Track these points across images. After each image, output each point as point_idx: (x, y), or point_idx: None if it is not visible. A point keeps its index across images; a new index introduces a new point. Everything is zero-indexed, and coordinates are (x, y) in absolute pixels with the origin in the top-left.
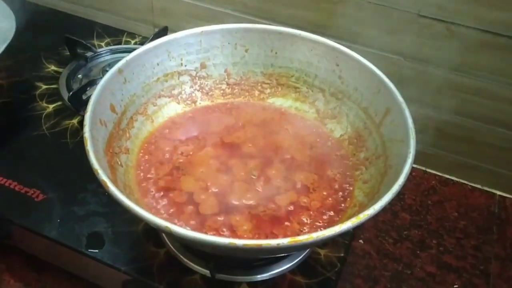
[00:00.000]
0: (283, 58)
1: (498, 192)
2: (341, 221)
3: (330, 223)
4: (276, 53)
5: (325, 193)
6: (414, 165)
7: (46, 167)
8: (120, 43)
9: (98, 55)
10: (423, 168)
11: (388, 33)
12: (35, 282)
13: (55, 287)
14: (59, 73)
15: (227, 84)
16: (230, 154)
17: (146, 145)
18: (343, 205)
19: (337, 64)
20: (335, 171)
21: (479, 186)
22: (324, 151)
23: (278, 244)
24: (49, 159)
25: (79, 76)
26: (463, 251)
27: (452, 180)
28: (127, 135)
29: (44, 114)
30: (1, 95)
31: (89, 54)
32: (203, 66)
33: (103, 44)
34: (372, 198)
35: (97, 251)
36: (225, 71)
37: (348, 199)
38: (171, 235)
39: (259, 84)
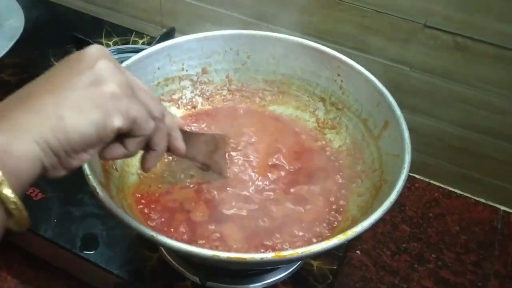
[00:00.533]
0: (285, 66)
1: (502, 207)
2: (332, 235)
3: (322, 236)
4: (278, 60)
5: (320, 204)
6: (417, 176)
7: None
8: (128, 43)
9: None
10: (427, 180)
11: (394, 43)
12: (31, 279)
13: (51, 285)
14: None
15: (228, 90)
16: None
17: None
18: (337, 218)
19: (339, 74)
20: (331, 183)
21: (483, 200)
22: (322, 161)
23: (262, 259)
24: None
25: None
26: (463, 266)
27: (456, 193)
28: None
29: None
30: (8, 92)
31: None
32: (204, 71)
33: (111, 43)
34: (365, 213)
35: (91, 253)
36: (227, 76)
37: (342, 212)
38: (157, 244)
39: (260, 91)
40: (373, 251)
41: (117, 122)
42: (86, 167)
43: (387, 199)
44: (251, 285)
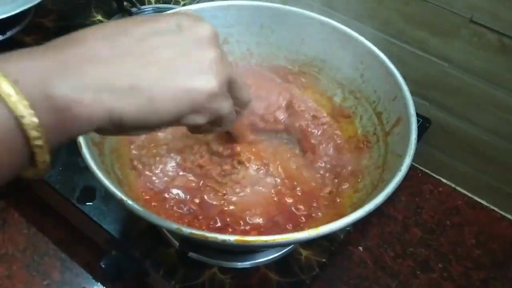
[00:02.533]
0: (309, 46)
1: None
2: (309, 226)
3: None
4: (303, 39)
5: (316, 194)
6: (443, 180)
7: None
8: (169, 2)
9: (141, 12)
10: (453, 185)
11: (436, 35)
12: (36, 221)
13: (51, 230)
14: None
15: (248, 63)
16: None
17: None
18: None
19: (362, 61)
20: (332, 173)
21: (509, 216)
22: (328, 150)
23: (223, 240)
24: None
25: None
26: (469, 282)
27: (481, 204)
28: None
29: None
30: (46, 38)
31: (133, 9)
32: (225, 41)
33: (153, 0)
34: (354, 211)
35: (86, 205)
36: (248, 49)
37: (336, 202)
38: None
39: (281, 69)
40: (376, 250)
41: (200, 120)
42: None
43: (372, 201)
44: (233, 263)
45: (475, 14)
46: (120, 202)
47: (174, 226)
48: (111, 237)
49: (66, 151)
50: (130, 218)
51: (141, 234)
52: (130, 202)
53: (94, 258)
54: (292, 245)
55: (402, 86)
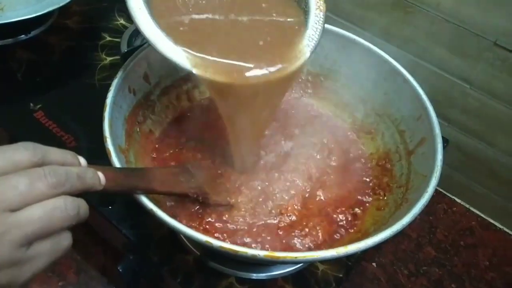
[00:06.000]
0: (333, 61)
1: None
2: (336, 244)
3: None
4: (327, 54)
5: (338, 210)
6: (458, 200)
7: (86, 117)
8: None
9: None
10: (467, 206)
11: (459, 56)
12: None
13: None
14: (126, 28)
15: None
16: None
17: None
18: (352, 225)
19: (385, 79)
20: (355, 190)
21: None
22: (351, 166)
23: (253, 255)
24: (92, 109)
25: None
26: None
27: (495, 225)
28: (157, 107)
29: (100, 65)
30: (69, 39)
31: None
32: None
33: None
34: (379, 229)
35: (106, 208)
36: None
37: (358, 222)
38: (153, 216)
39: (302, 82)
40: (390, 267)
41: None
42: (106, 129)
43: (399, 221)
44: (251, 274)
45: (500, 37)
46: (151, 212)
47: (203, 238)
48: (129, 241)
49: (87, 153)
50: (149, 224)
51: (159, 240)
52: (160, 212)
53: (110, 262)
54: None
55: (427, 106)
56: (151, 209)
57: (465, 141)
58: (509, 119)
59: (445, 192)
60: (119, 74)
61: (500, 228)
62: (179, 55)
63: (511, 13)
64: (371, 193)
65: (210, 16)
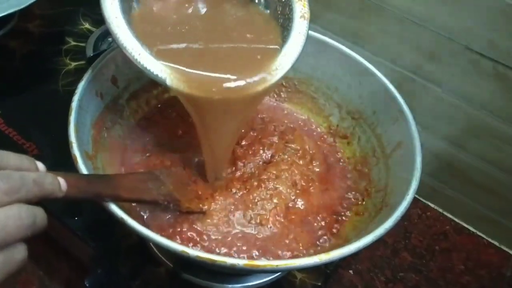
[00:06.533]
0: (307, 64)
1: None
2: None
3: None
4: (301, 57)
5: (319, 217)
6: (431, 205)
7: (50, 124)
8: None
9: None
10: (440, 210)
11: (430, 60)
12: None
13: (29, 244)
14: (91, 32)
15: None
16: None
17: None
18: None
19: (361, 82)
20: (338, 196)
21: (496, 243)
22: (332, 171)
23: (232, 265)
24: (55, 116)
25: (110, 39)
26: None
27: (469, 230)
28: (125, 111)
29: (64, 70)
30: (30, 43)
31: None
32: None
33: None
34: (359, 234)
35: (71, 219)
36: None
37: (339, 229)
38: (124, 225)
39: (276, 87)
40: (366, 274)
41: None
42: (71, 134)
43: (382, 225)
44: (228, 285)
45: (472, 42)
46: (121, 221)
47: (179, 248)
48: (97, 254)
49: (51, 160)
50: (118, 235)
51: (128, 252)
52: (131, 221)
53: (76, 276)
54: None
55: (404, 109)
56: (122, 218)
57: (437, 145)
58: (480, 123)
59: (418, 197)
60: (86, 76)
61: (473, 232)
62: (156, 66)
63: (483, 17)
64: (352, 199)
65: (188, 33)
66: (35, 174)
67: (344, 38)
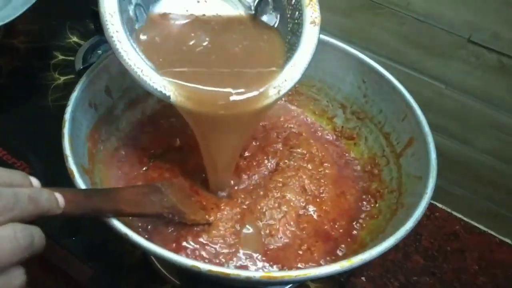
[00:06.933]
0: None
1: None
2: (333, 258)
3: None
4: None
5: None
6: (439, 205)
7: (41, 141)
8: None
9: None
10: (448, 210)
11: (433, 56)
12: None
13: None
14: (80, 45)
15: None
16: None
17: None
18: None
19: (364, 80)
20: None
21: (508, 241)
22: (343, 173)
23: (248, 277)
24: (47, 132)
25: (99, 51)
26: None
27: (479, 228)
28: (121, 123)
29: (54, 85)
30: (15, 59)
31: None
32: None
33: None
34: (376, 238)
35: (68, 240)
36: None
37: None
38: (128, 241)
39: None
40: (379, 280)
41: None
42: (66, 147)
43: (403, 227)
44: None
45: (474, 34)
46: (125, 237)
47: (189, 263)
48: (97, 274)
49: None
50: (119, 253)
51: (131, 270)
52: (135, 236)
53: None
54: None
55: (412, 104)
56: (125, 234)
57: (442, 143)
58: (486, 117)
59: None
60: (78, 87)
61: (484, 231)
62: (159, 82)
63: (484, 8)
64: (364, 202)
65: (192, 52)
66: (29, 190)
67: (339, 38)
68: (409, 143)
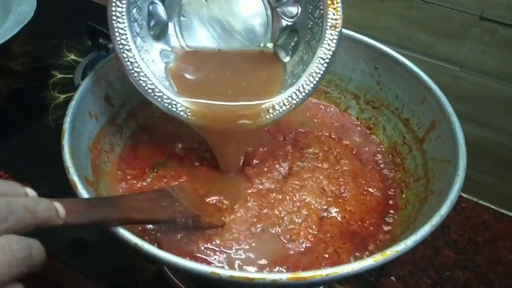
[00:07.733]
0: None
1: None
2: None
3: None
4: None
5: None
6: (464, 195)
7: (42, 162)
8: None
9: None
10: (475, 199)
11: (444, 39)
12: None
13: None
14: (78, 62)
15: None
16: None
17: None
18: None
19: (376, 66)
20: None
21: None
22: (365, 167)
23: (274, 280)
24: (48, 153)
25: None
26: None
27: (509, 216)
28: (124, 132)
29: (54, 104)
30: (16, 81)
31: (110, 45)
32: None
33: None
34: (407, 229)
35: (77, 260)
36: None
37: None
38: (139, 251)
39: None
40: (410, 278)
41: None
42: (66, 158)
43: (437, 212)
44: None
45: (486, 10)
46: (135, 247)
47: (208, 270)
48: None
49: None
50: (130, 270)
51: (147, 286)
52: (147, 245)
53: None
54: None
55: (431, 85)
56: (136, 244)
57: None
58: (504, 95)
59: None
60: (75, 96)
61: None
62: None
63: None
64: (390, 194)
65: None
66: (25, 199)
67: (347, 30)
68: (432, 126)
